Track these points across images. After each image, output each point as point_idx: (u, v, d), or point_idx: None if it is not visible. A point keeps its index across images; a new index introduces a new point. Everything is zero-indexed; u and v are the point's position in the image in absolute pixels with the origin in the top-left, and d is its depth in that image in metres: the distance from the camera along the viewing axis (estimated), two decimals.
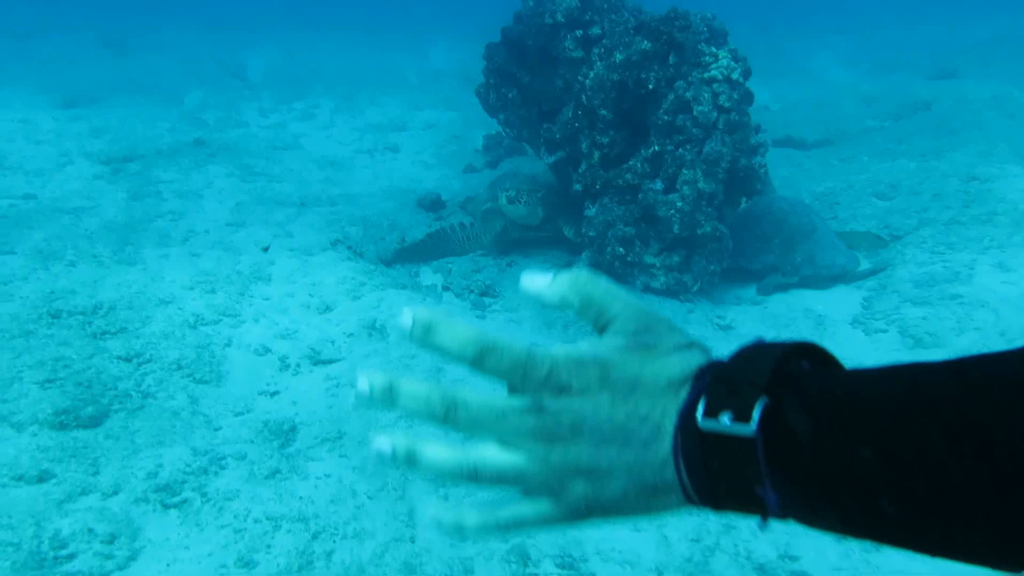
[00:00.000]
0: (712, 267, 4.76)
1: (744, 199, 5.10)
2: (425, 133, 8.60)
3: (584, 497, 0.66)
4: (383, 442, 0.68)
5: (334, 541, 2.77)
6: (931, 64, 11.24)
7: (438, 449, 0.68)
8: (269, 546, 2.75)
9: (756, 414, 0.60)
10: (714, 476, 0.62)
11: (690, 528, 2.97)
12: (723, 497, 0.62)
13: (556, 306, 0.73)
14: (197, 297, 4.45)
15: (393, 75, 11.46)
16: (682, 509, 0.66)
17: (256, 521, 2.81)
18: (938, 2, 16.88)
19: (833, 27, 15.24)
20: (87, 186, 6.23)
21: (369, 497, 2.94)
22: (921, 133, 7.46)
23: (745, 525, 3.03)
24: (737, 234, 4.96)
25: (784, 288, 4.93)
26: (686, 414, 0.63)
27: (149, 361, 3.85)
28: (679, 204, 4.60)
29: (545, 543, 2.83)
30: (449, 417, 0.67)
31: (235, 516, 2.84)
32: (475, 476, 0.67)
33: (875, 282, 4.95)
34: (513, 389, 0.68)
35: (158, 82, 10.11)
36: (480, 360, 0.67)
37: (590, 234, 4.82)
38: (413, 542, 2.77)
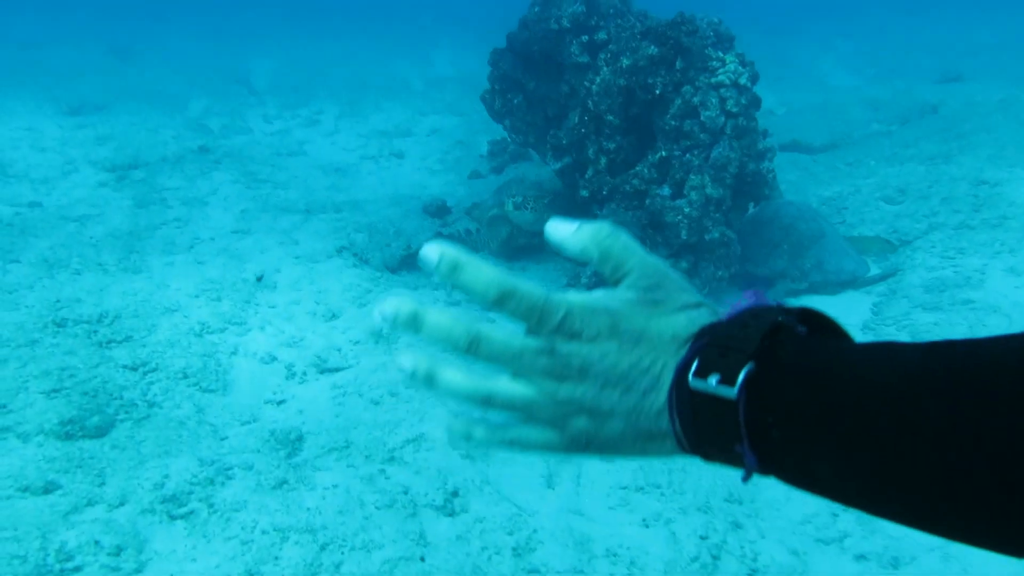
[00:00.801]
0: (720, 273, 4.73)
1: (752, 204, 5.07)
2: (430, 139, 8.59)
3: (585, 432, 0.72)
4: (406, 360, 0.71)
5: (342, 552, 2.74)
6: (936, 68, 11.19)
7: (455, 374, 0.72)
8: (277, 558, 2.72)
9: (740, 379, 0.64)
10: (701, 431, 0.66)
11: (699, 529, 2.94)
12: (709, 451, 0.67)
13: (576, 255, 0.76)
14: (203, 305, 4.43)
15: (397, 81, 11.46)
16: (675, 455, 0.70)
17: (264, 532, 2.78)
18: (942, 7, 16.86)
19: (837, 32, 15.21)
20: (92, 194, 6.23)
21: (377, 508, 2.91)
22: (928, 137, 7.42)
23: (757, 532, 3.00)
24: (745, 240, 4.92)
25: (793, 294, 4.89)
26: (681, 371, 0.67)
27: (155, 370, 3.83)
28: (687, 210, 4.57)
29: (554, 558, 2.80)
30: (470, 350, 0.71)
31: (242, 527, 2.81)
32: (488, 401, 0.72)
33: (885, 287, 4.91)
34: (530, 330, 0.72)
35: (162, 89, 10.11)
36: (500, 302, 0.71)
37: None
38: (423, 560, 2.74)
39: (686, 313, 0.71)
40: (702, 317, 0.71)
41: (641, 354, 0.70)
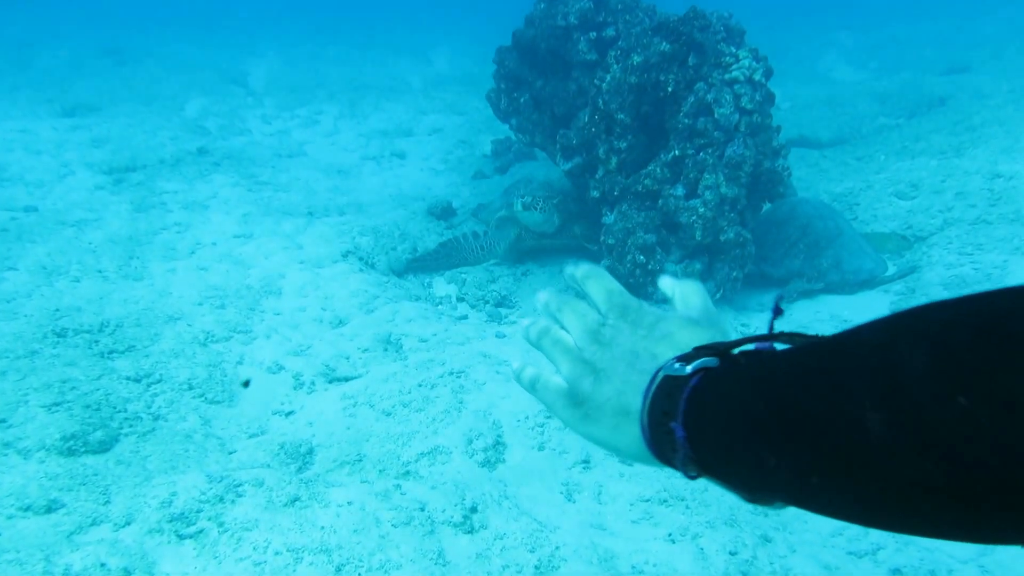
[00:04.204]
0: (735, 274, 4.62)
1: (766, 203, 4.96)
2: (431, 138, 8.46)
3: (583, 393, 0.85)
4: (524, 321, 0.98)
5: (359, 574, 2.62)
6: (941, 60, 11.09)
7: (541, 320, 0.97)
8: None
9: (696, 363, 0.75)
10: (654, 408, 0.76)
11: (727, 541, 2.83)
12: (654, 432, 0.76)
13: (664, 292, 0.97)
14: (206, 313, 4.32)
15: (396, 80, 11.33)
16: (635, 447, 0.80)
17: (277, 553, 2.67)
18: None
19: (838, 24, 15.11)
20: (89, 197, 6.10)
21: (394, 526, 2.80)
22: (939, 130, 7.31)
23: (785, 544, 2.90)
24: (760, 238, 4.81)
25: (809, 294, 4.78)
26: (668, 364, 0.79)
27: (159, 381, 3.71)
28: (701, 210, 4.46)
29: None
30: (565, 308, 0.95)
31: (254, 548, 2.69)
32: (545, 332, 0.95)
33: (903, 286, 4.80)
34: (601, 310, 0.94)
35: (158, 91, 9.98)
36: (584, 281, 0.96)
37: (609, 242, 4.68)
38: None
39: (713, 341, 0.82)
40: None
41: (657, 345, 0.83)
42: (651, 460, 0.79)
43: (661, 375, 0.78)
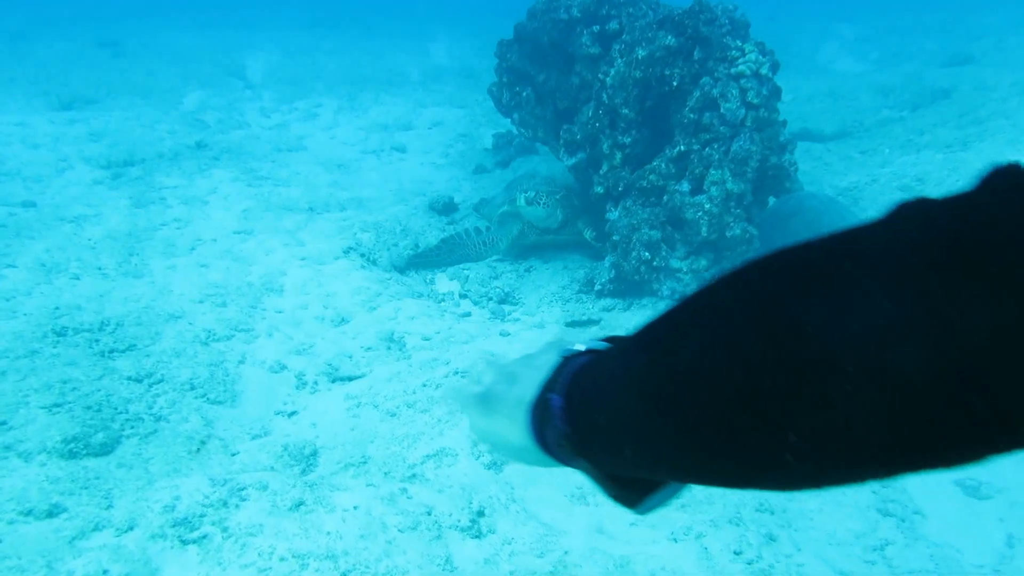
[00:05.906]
0: None
1: (772, 198, 4.91)
2: (432, 132, 8.39)
3: (494, 393, 0.89)
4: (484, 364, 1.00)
5: None
6: (942, 51, 11.02)
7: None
8: None
9: (590, 345, 0.76)
10: (544, 387, 0.77)
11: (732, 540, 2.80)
12: (537, 410, 0.77)
13: None
14: (207, 311, 4.27)
15: (395, 73, 11.23)
16: (527, 440, 0.79)
17: (282, 559, 2.63)
18: None
19: (836, 15, 15.02)
20: (87, 192, 6.04)
21: (400, 531, 2.77)
22: (944, 123, 7.26)
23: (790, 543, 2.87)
24: (766, 234, 4.77)
25: None
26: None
27: (160, 381, 3.67)
28: (707, 206, 4.42)
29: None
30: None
31: (259, 554, 2.66)
32: (492, 359, 1.08)
33: None
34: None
35: (155, 83, 9.88)
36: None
37: (614, 238, 4.63)
38: None
39: None
40: None
41: None
42: (540, 454, 0.78)
43: (559, 360, 0.78)
